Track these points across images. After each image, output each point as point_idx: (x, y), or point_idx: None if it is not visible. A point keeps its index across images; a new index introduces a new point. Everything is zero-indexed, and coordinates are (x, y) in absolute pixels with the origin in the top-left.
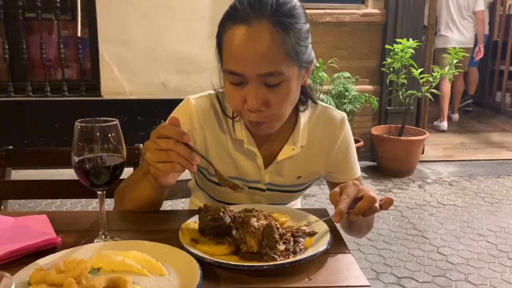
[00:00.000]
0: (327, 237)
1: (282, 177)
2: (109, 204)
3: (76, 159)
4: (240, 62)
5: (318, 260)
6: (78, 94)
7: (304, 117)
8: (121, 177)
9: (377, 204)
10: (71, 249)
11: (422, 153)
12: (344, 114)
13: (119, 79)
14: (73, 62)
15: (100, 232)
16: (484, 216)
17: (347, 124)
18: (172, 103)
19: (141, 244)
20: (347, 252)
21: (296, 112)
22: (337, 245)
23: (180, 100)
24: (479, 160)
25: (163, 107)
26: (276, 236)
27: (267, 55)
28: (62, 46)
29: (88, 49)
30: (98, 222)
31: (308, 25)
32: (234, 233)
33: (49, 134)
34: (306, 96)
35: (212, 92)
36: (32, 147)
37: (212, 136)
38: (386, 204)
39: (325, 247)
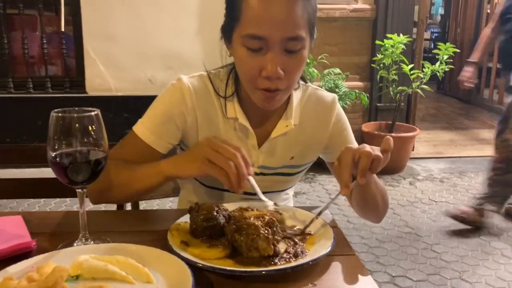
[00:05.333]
0: (331, 238)
1: (274, 158)
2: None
3: (52, 153)
4: (265, 26)
5: (322, 264)
6: (62, 91)
7: (296, 96)
8: None
9: (377, 153)
10: (47, 254)
11: (412, 150)
12: (335, 95)
13: (104, 75)
14: (57, 58)
15: (80, 235)
16: None
17: (338, 104)
18: None
19: (126, 247)
20: (352, 254)
21: None
22: (341, 246)
23: None
24: (469, 156)
25: (150, 104)
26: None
27: (293, 19)
28: (45, 42)
29: (73, 45)
30: (78, 223)
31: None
32: (236, 237)
33: (32, 132)
34: None
35: (204, 73)
36: (10, 145)
37: (203, 116)
38: (386, 144)
39: (329, 249)
